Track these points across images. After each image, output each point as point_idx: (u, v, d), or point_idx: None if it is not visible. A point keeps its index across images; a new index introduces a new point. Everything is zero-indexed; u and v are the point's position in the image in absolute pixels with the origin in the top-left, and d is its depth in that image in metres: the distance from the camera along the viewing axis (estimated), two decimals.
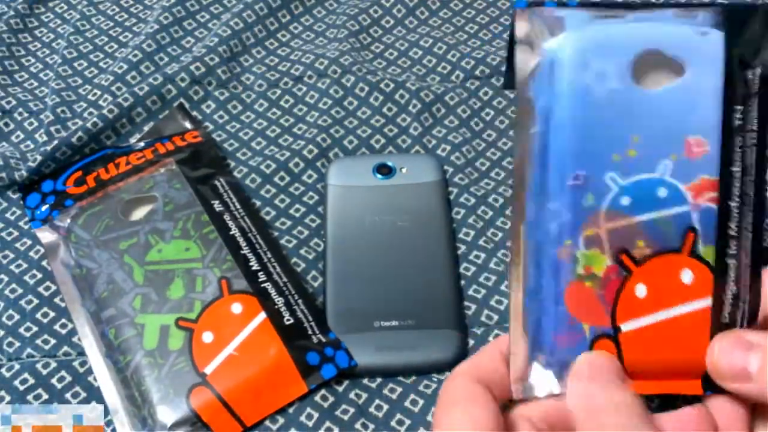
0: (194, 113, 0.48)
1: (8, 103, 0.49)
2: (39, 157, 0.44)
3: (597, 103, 0.30)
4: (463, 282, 0.41)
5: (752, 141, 0.31)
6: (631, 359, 0.30)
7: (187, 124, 0.47)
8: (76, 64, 0.51)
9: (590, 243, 0.30)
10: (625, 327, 0.30)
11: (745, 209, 0.30)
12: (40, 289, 0.40)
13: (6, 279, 0.41)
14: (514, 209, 0.31)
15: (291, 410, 0.36)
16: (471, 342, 0.39)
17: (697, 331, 0.30)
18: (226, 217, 0.41)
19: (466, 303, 0.40)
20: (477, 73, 0.50)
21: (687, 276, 0.30)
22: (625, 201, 0.30)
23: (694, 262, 0.30)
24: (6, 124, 0.48)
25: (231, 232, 0.40)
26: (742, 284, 0.31)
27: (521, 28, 0.31)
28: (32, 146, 0.47)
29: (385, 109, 0.48)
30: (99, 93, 0.49)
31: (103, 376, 0.37)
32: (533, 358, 0.31)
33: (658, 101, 0.30)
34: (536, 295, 0.31)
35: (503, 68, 0.50)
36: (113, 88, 0.49)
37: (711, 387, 0.30)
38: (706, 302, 0.30)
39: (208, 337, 0.36)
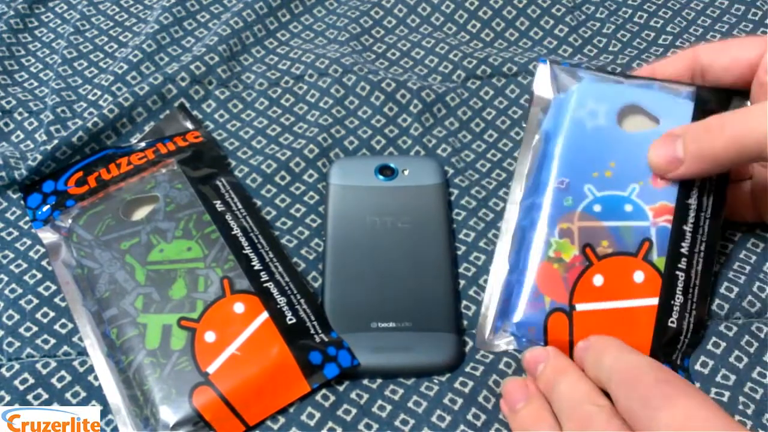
0: (195, 112, 0.48)
1: (8, 103, 0.49)
2: (39, 157, 0.44)
3: (586, 133, 0.39)
4: (463, 282, 0.41)
5: (711, 185, 0.38)
6: (581, 337, 0.36)
7: (189, 124, 0.47)
8: (76, 64, 0.51)
9: (563, 234, 0.38)
10: (580, 307, 0.37)
11: (698, 236, 0.38)
12: (40, 289, 0.40)
13: (6, 279, 0.40)
14: (511, 196, 0.41)
15: (292, 410, 0.36)
16: (471, 343, 0.39)
17: (642, 325, 0.36)
18: (228, 216, 0.41)
19: (466, 303, 0.40)
20: (479, 72, 0.50)
21: (639, 276, 0.37)
22: (597, 208, 0.38)
23: (647, 267, 0.37)
24: (6, 124, 0.48)
25: (233, 232, 0.40)
26: (689, 297, 0.37)
27: (542, 77, 0.41)
28: (32, 146, 0.47)
29: (386, 109, 0.48)
30: (99, 93, 0.49)
31: (105, 376, 0.37)
32: (499, 325, 0.38)
33: (635, 140, 0.39)
34: (515, 268, 0.38)
35: (504, 68, 0.50)
36: (113, 88, 0.49)
37: None
38: (653, 301, 0.36)
39: (210, 336, 0.36)
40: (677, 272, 0.37)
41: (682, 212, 0.38)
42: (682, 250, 0.37)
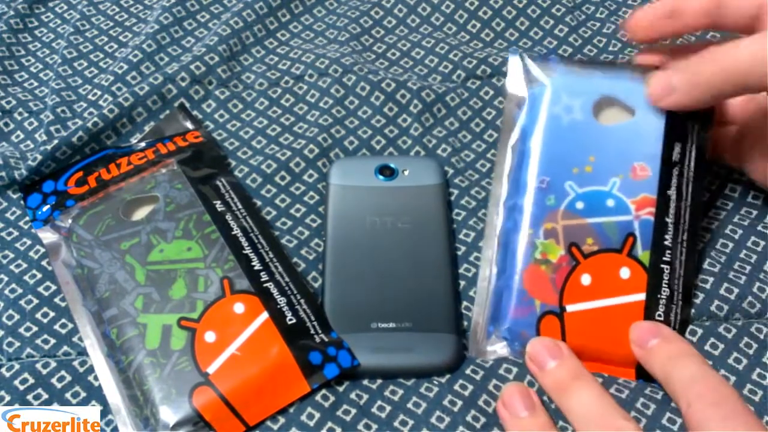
0: (194, 112, 0.48)
1: (8, 103, 0.49)
2: (39, 157, 0.44)
3: (563, 128, 0.39)
4: (463, 283, 0.41)
5: (690, 173, 0.38)
6: (574, 338, 0.36)
7: (189, 124, 0.47)
8: (76, 64, 0.51)
9: (548, 234, 0.37)
10: (570, 308, 0.36)
11: (680, 227, 0.38)
12: (40, 289, 0.40)
13: (6, 279, 0.40)
14: (492, 199, 0.40)
15: (291, 410, 0.36)
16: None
17: (632, 322, 0.36)
18: (228, 217, 0.41)
19: (466, 304, 0.40)
20: (479, 72, 0.50)
21: (625, 273, 0.37)
22: (580, 205, 0.38)
23: (632, 263, 0.37)
24: (6, 124, 0.48)
25: (233, 232, 0.40)
26: (675, 288, 0.37)
27: (514, 71, 0.40)
28: (32, 146, 0.47)
29: (386, 109, 0.48)
30: (99, 93, 0.49)
31: (105, 376, 0.37)
32: (491, 330, 0.38)
33: (612, 133, 0.38)
34: (503, 272, 0.38)
35: (504, 68, 0.50)
36: (113, 88, 0.49)
37: (643, 376, 0.36)
38: (641, 297, 0.36)
39: (210, 336, 0.36)
40: (662, 265, 0.37)
41: (663, 203, 0.37)
42: (666, 242, 0.37)
